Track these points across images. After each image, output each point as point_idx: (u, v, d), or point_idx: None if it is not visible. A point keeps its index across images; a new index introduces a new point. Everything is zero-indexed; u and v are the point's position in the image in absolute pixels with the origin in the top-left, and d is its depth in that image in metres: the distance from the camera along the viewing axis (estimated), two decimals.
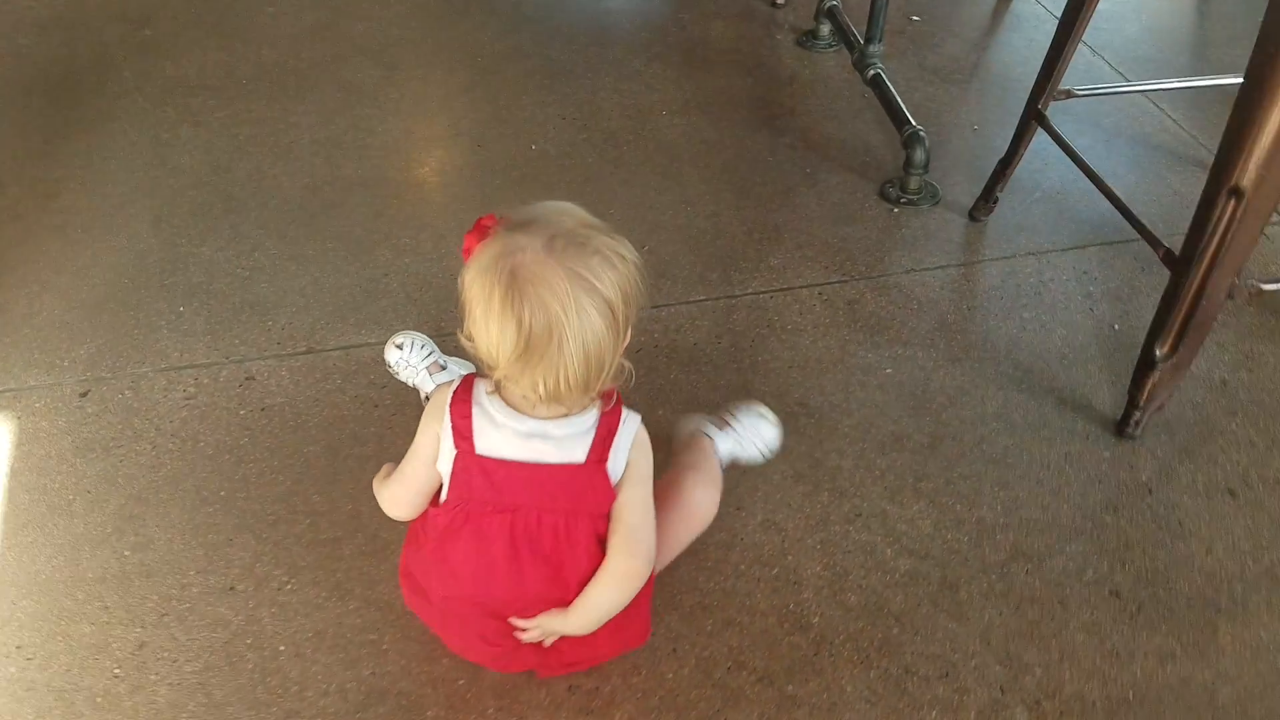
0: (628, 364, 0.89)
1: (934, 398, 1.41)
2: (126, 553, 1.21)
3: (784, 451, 1.32)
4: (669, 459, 1.15)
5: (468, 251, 0.86)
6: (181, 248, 1.70)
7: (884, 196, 1.80)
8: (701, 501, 1.08)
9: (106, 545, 1.21)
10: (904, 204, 1.78)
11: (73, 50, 2.24)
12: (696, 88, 2.14)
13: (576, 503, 0.91)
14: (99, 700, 1.05)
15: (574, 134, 1.99)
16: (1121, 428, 1.32)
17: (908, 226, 1.74)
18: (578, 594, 0.94)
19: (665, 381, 1.44)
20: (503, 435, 0.90)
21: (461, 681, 1.07)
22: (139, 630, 1.12)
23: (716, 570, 1.18)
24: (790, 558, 1.20)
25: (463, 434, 0.91)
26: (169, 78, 2.15)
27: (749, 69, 2.21)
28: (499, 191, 1.83)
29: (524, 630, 0.98)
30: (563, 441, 0.90)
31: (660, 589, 1.13)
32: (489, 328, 0.82)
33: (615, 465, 0.91)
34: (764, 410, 1.23)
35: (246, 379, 1.45)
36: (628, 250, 0.85)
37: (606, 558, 0.93)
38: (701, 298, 1.59)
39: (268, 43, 2.27)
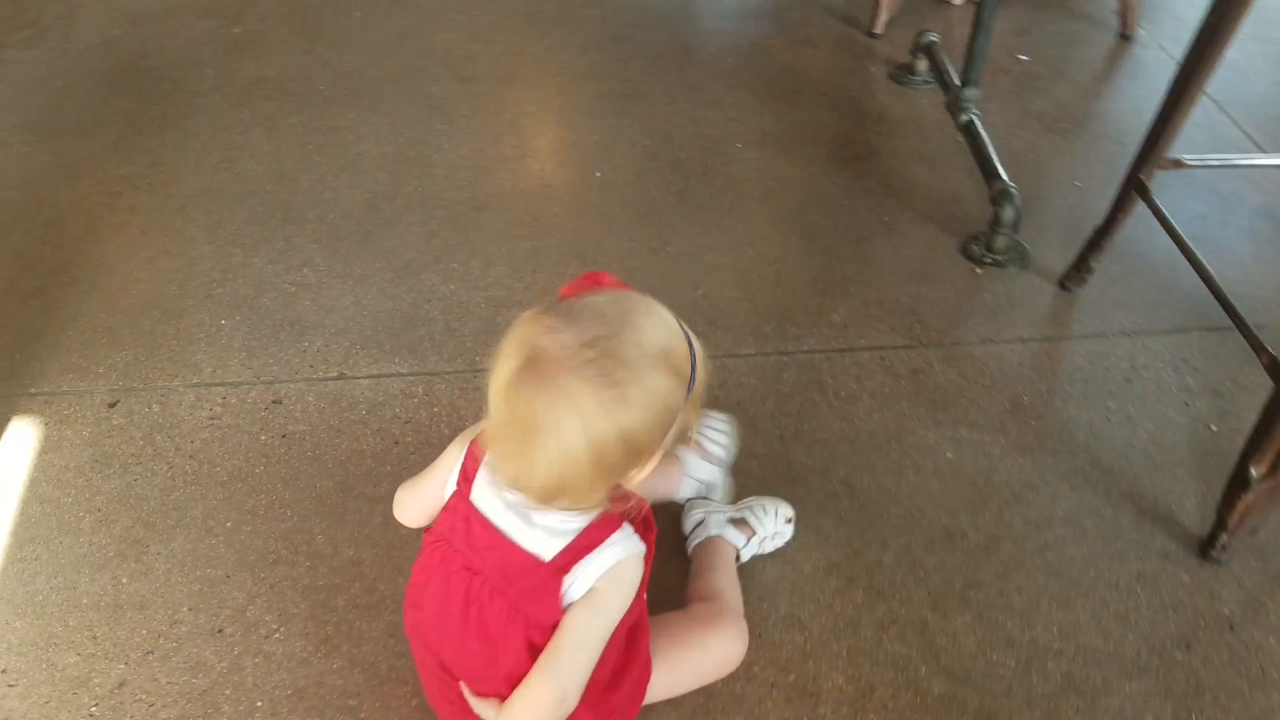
0: (637, 497, 0.81)
1: (997, 492, 1.29)
2: (125, 580, 1.19)
3: (820, 537, 1.23)
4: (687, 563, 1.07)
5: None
6: (234, 257, 1.70)
7: (967, 254, 1.68)
8: (734, 653, 1.05)
9: (107, 570, 1.20)
10: (988, 264, 1.64)
11: (161, 44, 2.28)
12: (777, 120, 2.04)
13: (521, 599, 0.84)
14: None
15: (641, 162, 1.92)
16: (1206, 549, 1.18)
17: (989, 290, 1.61)
18: (509, 693, 0.87)
19: None
20: (492, 493, 0.86)
21: None
22: (123, 666, 1.10)
23: None
24: (811, 664, 1.10)
25: (467, 476, 0.88)
26: (250, 78, 2.16)
27: (836, 103, 2.10)
28: (555, 220, 1.77)
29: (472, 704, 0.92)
30: (537, 530, 0.83)
31: None
32: (492, 390, 0.78)
33: (576, 583, 0.83)
34: (787, 511, 1.19)
35: (274, 402, 1.43)
36: (664, 398, 0.75)
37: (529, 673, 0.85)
38: (751, 352, 1.50)
39: (351, 48, 2.27)
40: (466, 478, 0.88)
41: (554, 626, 0.84)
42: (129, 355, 1.50)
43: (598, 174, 1.90)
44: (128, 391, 1.44)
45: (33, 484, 1.30)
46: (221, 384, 1.45)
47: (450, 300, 1.60)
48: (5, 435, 1.36)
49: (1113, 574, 1.18)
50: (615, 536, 0.83)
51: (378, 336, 1.53)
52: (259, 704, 1.06)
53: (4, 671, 1.09)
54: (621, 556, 0.83)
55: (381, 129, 2.00)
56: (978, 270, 1.64)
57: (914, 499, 1.28)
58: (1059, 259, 1.62)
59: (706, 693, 1.06)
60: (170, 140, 1.98)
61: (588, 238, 1.73)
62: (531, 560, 0.83)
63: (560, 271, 1.65)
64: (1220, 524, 1.15)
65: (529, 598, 0.83)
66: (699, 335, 1.52)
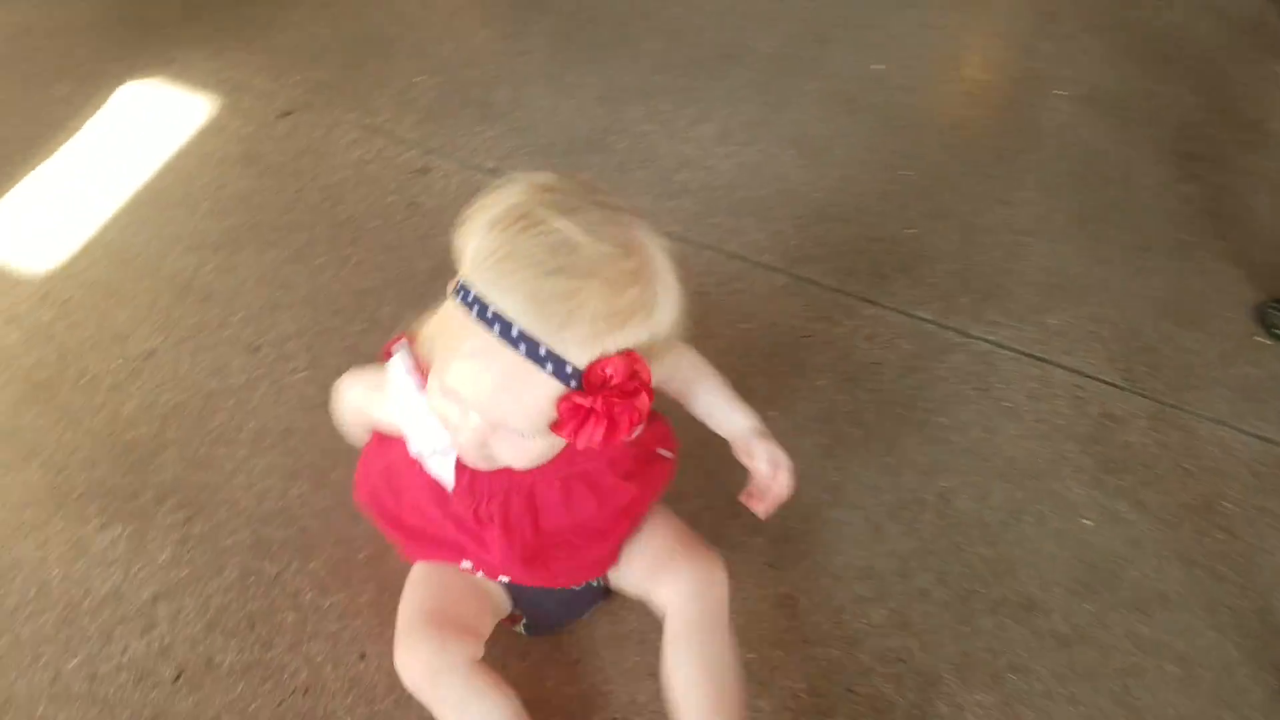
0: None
1: (1118, 588, 1.11)
2: (206, 270, 1.31)
3: (876, 537, 1.12)
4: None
5: None
6: (463, 22, 1.77)
7: (1260, 317, 1.41)
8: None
9: (196, 254, 1.33)
10: (1278, 337, 1.38)
11: None
12: (1120, 80, 1.80)
13: None
14: (83, 382, 1.17)
15: (935, 69, 1.78)
16: None
17: (1260, 366, 1.36)
18: None
19: (805, 384, 1.27)
20: None
21: (363, 556, 1.05)
22: (160, 340, 1.23)
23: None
24: (780, 653, 1.02)
25: None
26: None
27: (1207, 89, 1.81)
28: (801, 99, 1.69)
29: None
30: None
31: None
32: None
33: None
34: None
35: (421, 170, 1.49)
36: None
37: None
38: (927, 317, 1.37)
39: None
40: None
41: None
42: (324, 75, 1.62)
43: (878, 66, 1.78)
44: (305, 106, 1.56)
45: (181, 154, 1.46)
46: (390, 135, 1.54)
47: (640, 140, 1.59)
48: (184, 106, 1.53)
49: None
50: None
51: (550, 149, 1.55)
52: (250, 425, 1.15)
53: (68, 300, 1.25)
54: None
55: None
56: (1258, 338, 1.39)
57: (1014, 550, 1.13)
58: None
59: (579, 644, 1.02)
60: None
61: (821, 130, 1.64)
62: None
63: (772, 155, 1.58)
64: None
65: None
66: (883, 277, 1.42)
